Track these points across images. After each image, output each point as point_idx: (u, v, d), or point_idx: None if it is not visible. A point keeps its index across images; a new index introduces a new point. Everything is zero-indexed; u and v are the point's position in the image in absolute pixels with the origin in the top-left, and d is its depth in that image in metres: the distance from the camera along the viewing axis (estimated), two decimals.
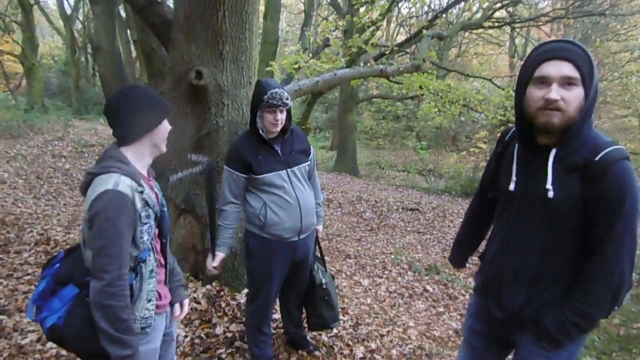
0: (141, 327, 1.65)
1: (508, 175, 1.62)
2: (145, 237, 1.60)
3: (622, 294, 1.46)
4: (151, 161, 1.75)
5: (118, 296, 1.47)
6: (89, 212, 1.50)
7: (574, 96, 1.40)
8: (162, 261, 1.82)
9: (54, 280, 1.61)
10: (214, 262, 2.57)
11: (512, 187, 1.59)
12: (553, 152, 1.47)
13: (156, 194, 1.73)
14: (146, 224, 1.59)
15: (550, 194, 1.45)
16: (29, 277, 3.83)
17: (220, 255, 2.57)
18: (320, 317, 2.83)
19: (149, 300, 1.67)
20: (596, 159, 1.39)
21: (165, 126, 1.71)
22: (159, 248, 1.79)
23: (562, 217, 1.48)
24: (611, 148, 1.40)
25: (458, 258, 2.10)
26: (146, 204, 1.59)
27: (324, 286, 2.79)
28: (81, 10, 20.30)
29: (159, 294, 1.74)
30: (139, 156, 1.68)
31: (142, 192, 1.58)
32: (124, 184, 1.51)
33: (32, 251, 4.40)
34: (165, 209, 1.81)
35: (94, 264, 1.47)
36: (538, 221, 1.53)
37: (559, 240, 1.51)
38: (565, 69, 1.38)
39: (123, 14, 10.21)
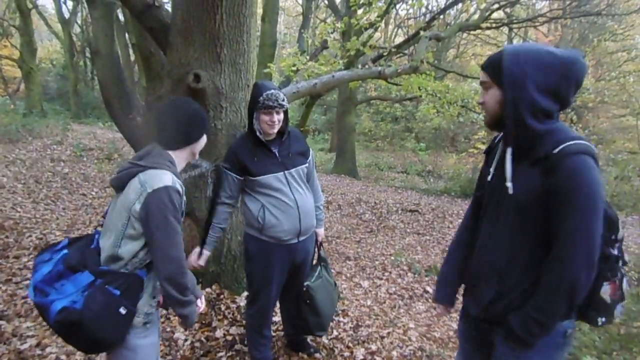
0: (144, 323, 1.74)
1: (487, 172, 1.68)
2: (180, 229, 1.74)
3: (578, 290, 1.42)
4: (184, 166, 1.95)
5: (186, 273, 1.70)
6: (145, 206, 1.63)
7: (490, 96, 1.55)
8: None
9: (64, 265, 1.67)
10: (200, 261, 2.55)
11: (489, 178, 1.66)
12: (509, 149, 1.53)
13: None
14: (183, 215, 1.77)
15: (510, 190, 1.50)
16: (27, 282, 3.83)
17: (205, 254, 2.56)
18: (303, 321, 2.77)
19: (154, 297, 1.79)
20: (555, 151, 1.42)
21: (204, 138, 1.93)
22: None
23: (525, 211, 1.49)
24: (572, 142, 1.41)
25: (449, 291, 1.91)
26: (182, 204, 1.77)
27: (305, 289, 2.71)
28: (79, 14, 20.32)
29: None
30: (179, 161, 1.86)
31: (183, 195, 1.76)
32: (176, 181, 1.71)
33: (31, 256, 4.40)
34: None
35: (163, 254, 1.64)
36: (506, 216, 1.56)
37: (525, 235, 1.52)
38: (482, 76, 1.58)
39: (121, 17, 10.22)
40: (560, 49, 1.50)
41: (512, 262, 1.55)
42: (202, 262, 2.57)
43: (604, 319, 1.52)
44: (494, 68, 1.51)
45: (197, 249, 2.57)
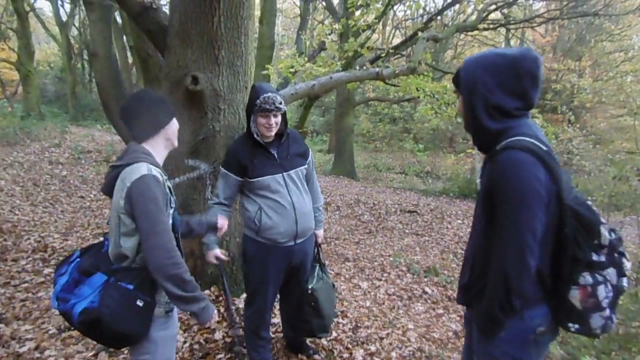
0: (165, 311, 1.79)
1: None
2: (171, 222, 1.74)
3: (510, 285, 1.43)
4: (165, 155, 1.91)
5: (178, 264, 1.66)
6: (128, 199, 1.65)
7: (459, 103, 1.65)
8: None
9: (78, 271, 1.74)
10: (215, 259, 2.52)
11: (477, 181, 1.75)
12: (476, 148, 1.64)
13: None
14: (172, 208, 1.78)
15: (478, 186, 1.62)
16: (26, 284, 3.82)
17: (215, 253, 2.51)
18: (307, 323, 2.78)
19: None
20: (498, 147, 1.49)
21: (175, 122, 1.90)
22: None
23: (485, 206, 1.56)
24: (512, 139, 1.45)
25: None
26: (170, 191, 1.78)
27: (309, 291, 2.73)
28: (77, 16, 20.31)
29: None
30: (156, 150, 1.84)
31: (167, 180, 1.78)
32: (156, 170, 1.71)
33: (30, 259, 4.39)
34: (175, 208, 1.94)
35: (148, 244, 1.63)
36: (476, 210, 1.66)
37: (489, 228, 1.55)
38: (454, 87, 1.68)
39: (119, 20, 10.23)
40: (512, 49, 1.58)
41: (479, 253, 1.61)
42: (215, 260, 2.52)
43: (577, 326, 1.49)
44: (456, 78, 1.63)
45: (212, 252, 2.53)
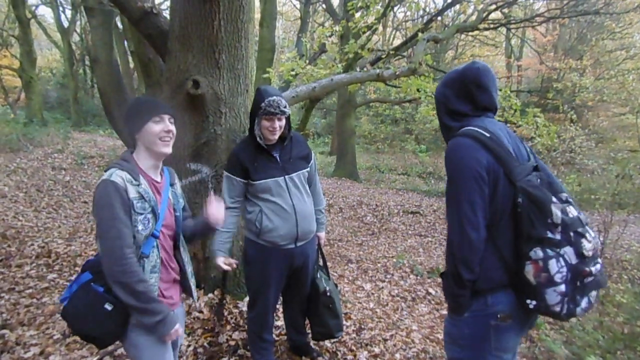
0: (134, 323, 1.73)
1: None
2: (140, 227, 1.70)
3: (454, 252, 1.59)
4: (158, 163, 1.87)
5: (128, 273, 1.61)
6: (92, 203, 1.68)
7: None
8: (173, 262, 1.91)
9: (84, 267, 1.77)
10: (225, 265, 2.54)
11: None
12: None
13: (159, 193, 1.84)
14: (141, 214, 1.70)
15: None
16: (30, 290, 3.83)
17: (222, 259, 2.54)
18: (325, 327, 2.79)
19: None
20: None
21: (150, 128, 1.77)
22: (168, 248, 1.88)
23: None
24: (461, 130, 1.67)
25: None
26: (141, 197, 1.71)
27: (328, 294, 2.76)
28: (78, 23, 20.42)
29: (162, 292, 1.81)
30: (141, 158, 1.81)
31: (137, 185, 1.72)
32: (117, 175, 1.67)
33: (34, 264, 4.40)
34: (180, 214, 1.94)
35: (100, 248, 1.63)
36: None
37: None
38: None
39: (120, 25, 10.26)
40: (463, 64, 1.80)
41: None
42: (225, 267, 2.54)
43: (534, 302, 1.54)
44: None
45: (220, 259, 2.54)
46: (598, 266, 1.53)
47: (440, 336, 3.82)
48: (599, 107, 16.69)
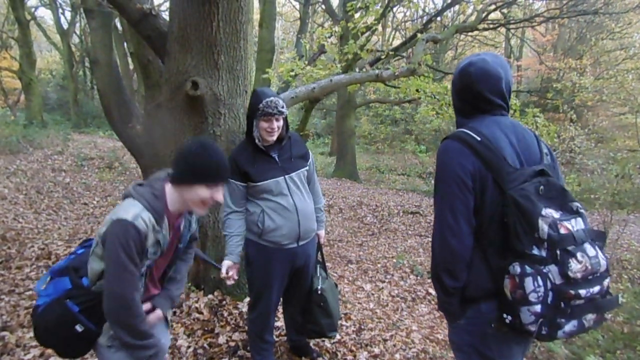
0: (107, 345, 1.70)
1: None
2: (143, 270, 1.67)
3: (436, 257, 1.58)
4: (186, 211, 1.78)
5: (136, 315, 1.60)
6: (104, 232, 1.58)
7: None
8: (156, 288, 1.89)
9: (69, 263, 1.73)
10: (230, 272, 2.55)
11: None
12: None
13: (174, 228, 1.78)
14: (149, 259, 1.66)
15: None
16: (30, 292, 3.83)
17: (229, 263, 2.55)
18: (316, 325, 2.79)
19: None
20: None
21: (200, 190, 1.68)
22: (157, 275, 1.85)
23: None
24: (454, 131, 1.64)
25: None
26: (157, 243, 1.66)
27: (319, 292, 2.75)
28: (78, 24, 20.44)
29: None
30: (173, 200, 1.72)
31: (159, 232, 1.65)
32: (142, 220, 1.58)
33: (34, 266, 4.41)
34: (183, 244, 1.89)
35: (109, 286, 1.56)
36: None
37: None
38: None
39: (119, 27, 10.27)
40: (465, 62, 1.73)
41: None
42: (231, 272, 2.55)
43: (510, 318, 1.47)
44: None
45: (226, 263, 2.55)
46: (596, 288, 1.40)
47: (440, 336, 3.83)
48: (599, 107, 16.69)
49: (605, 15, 13.33)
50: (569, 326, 1.41)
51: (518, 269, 1.43)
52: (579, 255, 1.38)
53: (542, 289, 1.39)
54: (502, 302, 1.51)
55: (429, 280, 5.37)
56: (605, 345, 3.27)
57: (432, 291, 5.00)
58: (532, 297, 1.40)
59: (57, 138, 12.42)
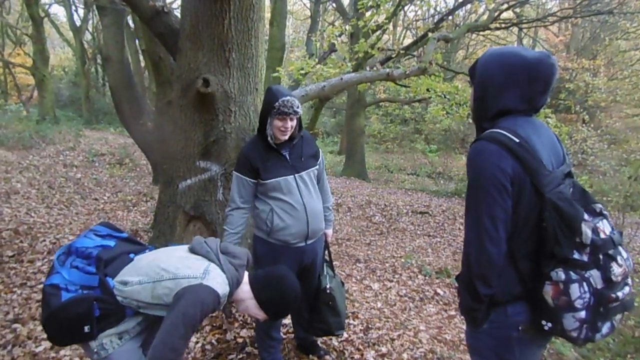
0: (95, 351, 1.73)
1: None
2: None
3: (471, 266, 1.47)
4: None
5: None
6: (188, 288, 1.63)
7: (470, 94, 1.68)
8: None
9: (98, 254, 1.75)
10: None
11: None
12: None
13: None
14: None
15: None
16: (41, 285, 3.87)
17: None
18: (324, 323, 2.79)
19: (120, 338, 1.77)
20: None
21: (258, 312, 1.89)
22: None
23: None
24: (487, 131, 1.51)
25: None
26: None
27: (328, 291, 2.76)
28: (90, 21, 20.60)
29: None
30: (241, 292, 1.87)
31: (220, 304, 1.75)
32: (224, 293, 1.72)
33: (45, 260, 4.46)
34: None
35: (170, 338, 1.57)
36: None
37: None
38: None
39: (131, 24, 10.35)
40: (531, 51, 1.54)
41: None
42: None
43: (550, 325, 1.44)
44: (472, 70, 1.64)
45: None
46: (627, 289, 1.41)
47: (448, 337, 3.81)
48: (612, 108, 16.49)
49: (620, 15, 13.15)
50: (605, 328, 1.40)
51: (563, 275, 1.39)
52: (619, 258, 1.38)
53: (587, 295, 1.36)
54: (541, 308, 1.46)
55: (437, 281, 5.34)
56: (615, 348, 3.24)
57: (440, 291, 4.98)
58: (578, 304, 1.37)
59: (69, 134, 12.54)
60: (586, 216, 1.40)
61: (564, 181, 1.49)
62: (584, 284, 1.36)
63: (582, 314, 1.37)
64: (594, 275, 1.37)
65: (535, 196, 1.43)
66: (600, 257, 1.37)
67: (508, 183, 1.41)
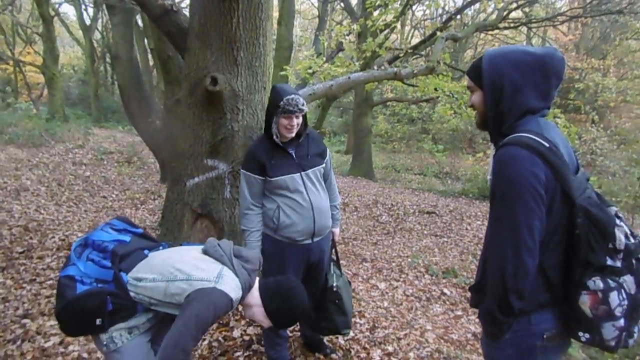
0: (105, 344, 1.76)
1: None
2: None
3: (506, 280, 1.37)
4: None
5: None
6: (200, 291, 1.65)
7: (477, 98, 1.58)
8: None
9: (114, 248, 1.78)
10: None
11: None
12: (492, 146, 1.62)
13: None
14: None
15: (488, 183, 1.53)
16: (51, 281, 3.92)
17: None
18: (331, 322, 2.79)
19: (129, 332, 1.79)
20: (500, 144, 1.47)
21: (264, 320, 1.91)
22: None
23: (491, 203, 1.50)
24: (514, 135, 1.42)
25: None
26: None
27: (335, 289, 2.76)
28: (100, 20, 20.75)
29: None
30: (251, 297, 1.90)
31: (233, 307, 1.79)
32: (237, 298, 1.76)
33: (54, 256, 4.50)
34: None
35: (180, 338, 1.58)
36: (490, 208, 1.58)
37: (491, 226, 1.52)
38: (467, 81, 1.62)
39: (140, 23, 10.41)
40: (536, 47, 1.51)
41: (488, 251, 1.54)
42: None
43: (587, 336, 1.39)
44: (476, 72, 1.56)
45: None
46: None
47: (455, 336, 3.80)
48: (622, 108, 16.34)
49: (630, 14, 13.01)
50: (637, 333, 1.39)
51: (601, 284, 1.34)
52: None
53: (626, 302, 1.33)
54: (576, 320, 1.41)
55: (444, 280, 5.33)
56: (624, 350, 3.21)
57: (447, 291, 4.97)
58: (618, 312, 1.33)
59: (78, 132, 12.65)
60: (617, 221, 1.37)
61: (587, 186, 1.45)
62: (622, 290, 1.33)
63: (622, 322, 1.33)
64: (628, 280, 1.34)
65: (565, 203, 1.38)
66: (634, 261, 1.35)
67: (543, 190, 1.35)
